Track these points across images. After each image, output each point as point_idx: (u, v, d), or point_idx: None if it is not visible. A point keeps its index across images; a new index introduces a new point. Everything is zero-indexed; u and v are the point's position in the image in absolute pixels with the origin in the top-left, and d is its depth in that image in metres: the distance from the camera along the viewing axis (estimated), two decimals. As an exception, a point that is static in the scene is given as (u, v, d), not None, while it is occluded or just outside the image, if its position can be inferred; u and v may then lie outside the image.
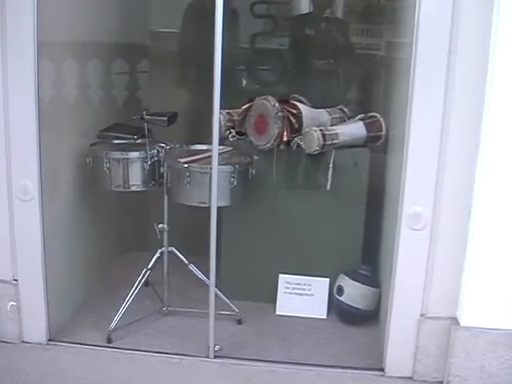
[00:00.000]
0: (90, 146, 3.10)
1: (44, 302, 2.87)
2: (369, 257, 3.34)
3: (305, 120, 3.28)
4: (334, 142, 3.21)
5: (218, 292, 2.98)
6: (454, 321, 2.62)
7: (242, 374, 2.78)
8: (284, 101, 3.31)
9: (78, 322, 3.12)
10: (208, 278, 2.86)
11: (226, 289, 3.11)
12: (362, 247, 3.34)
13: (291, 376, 2.79)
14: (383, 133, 3.33)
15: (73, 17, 3.01)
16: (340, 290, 3.26)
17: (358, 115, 3.43)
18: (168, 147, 3.06)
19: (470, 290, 2.56)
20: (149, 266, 3.12)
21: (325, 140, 3.16)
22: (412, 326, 2.68)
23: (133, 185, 3.02)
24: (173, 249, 3.15)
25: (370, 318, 3.22)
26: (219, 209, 2.81)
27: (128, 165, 2.99)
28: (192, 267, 3.15)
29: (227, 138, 3.40)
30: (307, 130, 3.21)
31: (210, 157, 2.81)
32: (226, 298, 3.12)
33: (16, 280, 2.86)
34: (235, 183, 2.92)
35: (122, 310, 3.00)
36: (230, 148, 3.22)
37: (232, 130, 3.43)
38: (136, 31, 3.83)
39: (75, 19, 3.03)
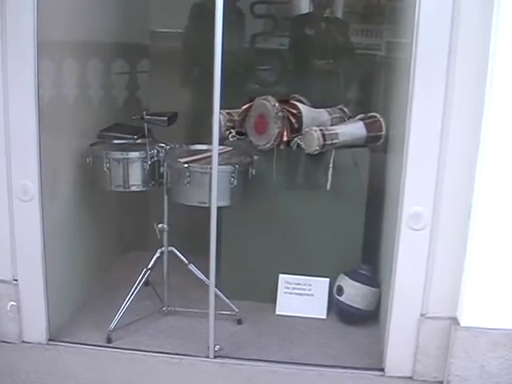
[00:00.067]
0: (90, 146, 3.10)
1: (44, 302, 2.87)
2: (369, 257, 3.34)
3: (305, 120, 3.28)
4: (334, 141, 3.21)
5: (218, 292, 2.98)
6: (454, 321, 2.62)
7: (242, 373, 2.78)
8: (284, 101, 3.31)
9: (77, 322, 3.12)
10: (208, 278, 2.86)
11: (226, 289, 3.11)
12: (362, 247, 3.34)
13: (291, 376, 2.79)
14: (383, 133, 3.33)
15: (73, 17, 3.01)
16: (340, 290, 3.26)
17: (358, 115, 3.43)
18: (168, 147, 3.06)
19: (470, 290, 2.56)
20: (149, 266, 3.12)
21: (325, 140, 3.16)
22: (412, 326, 2.68)
23: (133, 185, 3.02)
24: (173, 249, 3.15)
25: (370, 318, 3.22)
26: (219, 209, 2.81)
27: (128, 165, 2.99)
28: (192, 267, 3.15)
29: (227, 137, 3.40)
30: (307, 129, 3.21)
31: (209, 157, 2.81)
32: (225, 298, 3.12)
33: (16, 280, 2.86)
34: (235, 183, 2.92)
35: (121, 310, 3.00)
36: (230, 148, 3.22)
37: (232, 130, 3.43)
38: (136, 31, 3.83)
39: (75, 19, 3.03)
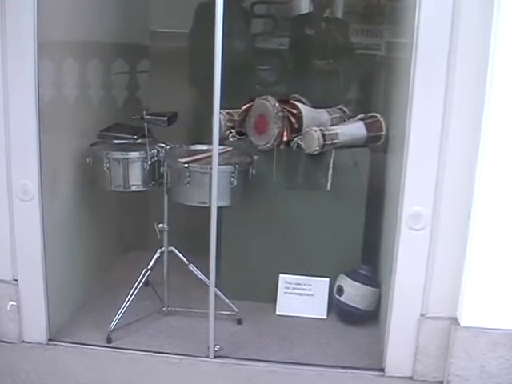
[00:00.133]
0: (90, 145, 3.10)
1: (44, 301, 2.87)
2: (369, 257, 3.34)
3: (305, 120, 3.28)
4: (334, 141, 3.21)
5: (218, 292, 2.98)
6: (454, 321, 2.62)
7: (242, 373, 2.78)
8: (284, 101, 3.31)
9: (77, 322, 3.12)
10: (208, 278, 2.86)
11: (226, 289, 3.11)
12: (362, 247, 3.34)
13: (291, 376, 2.79)
14: (383, 133, 3.33)
15: (73, 17, 3.01)
16: (340, 290, 3.26)
17: (358, 115, 3.43)
18: (168, 147, 3.06)
19: (470, 289, 2.56)
20: (149, 266, 3.12)
21: (325, 140, 3.16)
22: (412, 325, 2.69)
23: (133, 185, 3.02)
24: (173, 249, 3.15)
25: (370, 318, 3.22)
26: (219, 209, 2.81)
27: (128, 165, 2.99)
28: (192, 267, 3.15)
29: (227, 137, 3.40)
30: (307, 129, 3.21)
31: (210, 157, 2.81)
32: (225, 298, 3.12)
33: (16, 280, 2.86)
34: (235, 183, 2.92)
35: (121, 310, 3.00)
36: (230, 148, 3.22)
37: (232, 130, 3.43)
38: (136, 31, 3.83)
39: (75, 19, 3.03)
